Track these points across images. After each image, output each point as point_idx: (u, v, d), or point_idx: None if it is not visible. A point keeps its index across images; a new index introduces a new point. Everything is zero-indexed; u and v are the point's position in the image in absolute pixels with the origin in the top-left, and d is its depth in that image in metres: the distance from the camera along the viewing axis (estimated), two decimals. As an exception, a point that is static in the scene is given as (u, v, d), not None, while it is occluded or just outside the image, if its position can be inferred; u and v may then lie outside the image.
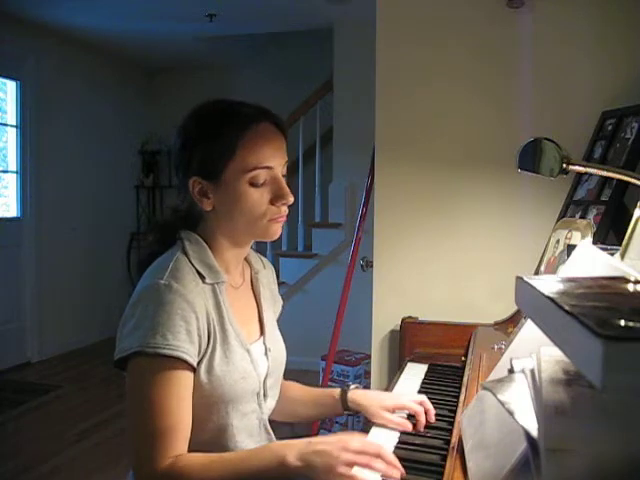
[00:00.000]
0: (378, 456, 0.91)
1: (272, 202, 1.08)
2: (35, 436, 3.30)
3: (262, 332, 1.20)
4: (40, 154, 4.65)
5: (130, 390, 0.99)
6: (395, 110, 1.97)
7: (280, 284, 4.45)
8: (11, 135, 4.56)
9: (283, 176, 1.11)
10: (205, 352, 1.03)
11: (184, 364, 0.99)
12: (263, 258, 1.33)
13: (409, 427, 1.16)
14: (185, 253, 1.08)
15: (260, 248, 1.21)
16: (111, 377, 4.32)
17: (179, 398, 0.97)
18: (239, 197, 1.06)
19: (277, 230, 1.11)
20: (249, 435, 1.11)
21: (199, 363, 1.02)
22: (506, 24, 1.85)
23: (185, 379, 0.99)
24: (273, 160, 1.07)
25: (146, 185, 5.83)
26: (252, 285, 1.24)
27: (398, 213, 1.99)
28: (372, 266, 2.05)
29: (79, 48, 5.01)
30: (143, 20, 4.41)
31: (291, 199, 1.09)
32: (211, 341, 1.04)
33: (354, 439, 0.93)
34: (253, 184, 1.06)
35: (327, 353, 2.94)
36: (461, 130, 1.92)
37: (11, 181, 4.61)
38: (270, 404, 1.19)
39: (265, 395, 1.15)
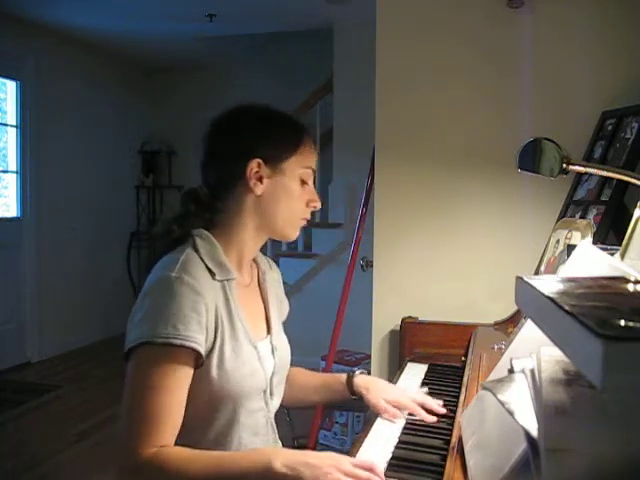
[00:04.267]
0: None
1: (307, 203, 1.17)
2: (35, 436, 3.30)
3: (269, 331, 1.22)
4: (40, 154, 4.65)
5: (131, 377, 0.99)
6: (395, 110, 1.98)
7: (280, 284, 4.44)
8: (11, 135, 4.56)
9: None
10: (213, 347, 1.04)
11: (192, 355, 0.99)
12: (270, 260, 1.34)
13: (399, 416, 1.22)
14: (196, 250, 1.09)
15: (261, 248, 1.23)
16: (111, 377, 4.32)
17: (176, 389, 0.98)
18: (289, 189, 1.14)
19: (298, 232, 1.20)
20: (254, 433, 1.12)
21: (209, 357, 1.03)
22: (506, 24, 1.85)
23: (187, 371, 1.00)
24: (315, 166, 1.19)
25: (146, 185, 5.83)
26: (259, 285, 1.25)
27: (398, 213, 1.99)
28: (372, 266, 2.05)
29: (79, 48, 5.01)
30: (143, 20, 4.41)
31: (320, 204, 1.20)
32: (218, 336, 1.04)
33: (347, 460, 0.93)
34: (302, 181, 1.16)
35: (327, 353, 2.94)
36: (461, 130, 1.92)
37: (11, 181, 4.61)
38: (276, 403, 1.20)
39: (272, 393, 1.17)
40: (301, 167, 1.14)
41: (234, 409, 1.07)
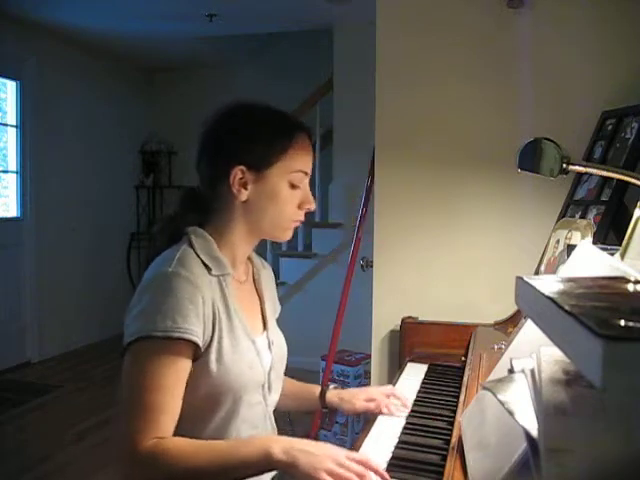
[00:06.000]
0: (362, 477, 0.91)
1: (299, 205, 1.16)
2: (35, 436, 3.30)
3: (265, 327, 1.23)
4: (40, 154, 4.64)
5: (129, 370, 1.00)
6: (395, 110, 1.97)
7: (280, 284, 4.44)
8: (11, 135, 4.56)
9: None
10: (211, 340, 1.05)
11: (190, 347, 1.01)
12: (262, 259, 1.36)
13: (381, 407, 1.28)
14: (191, 246, 1.10)
15: (260, 247, 1.24)
16: (111, 377, 4.32)
17: (175, 382, 0.99)
18: (276, 194, 1.13)
19: (291, 233, 1.19)
20: (253, 426, 1.13)
21: (207, 351, 1.04)
22: (506, 24, 1.85)
23: (186, 364, 1.01)
24: (309, 168, 1.17)
25: (146, 185, 5.83)
26: (254, 282, 1.27)
27: (398, 213, 1.99)
28: (372, 266, 2.05)
29: (79, 48, 5.00)
30: (143, 20, 4.41)
31: (314, 206, 1.18)
32: (216, 330, 1.06)
33: (342, 453, 0.94)
34: (292, 185, 1.14)
35: (327, 353, 2.94)
36: (461, 130, 1.92)
37: (11, 181, 4.61)
38: (274, 397, 1.22)
39: (270, 388, 1.18)
40: (289, 172, 1.12)
41: (234, 402, 1.09)
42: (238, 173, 1.10)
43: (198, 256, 1.09)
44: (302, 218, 1.18)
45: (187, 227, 1.14)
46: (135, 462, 0.95)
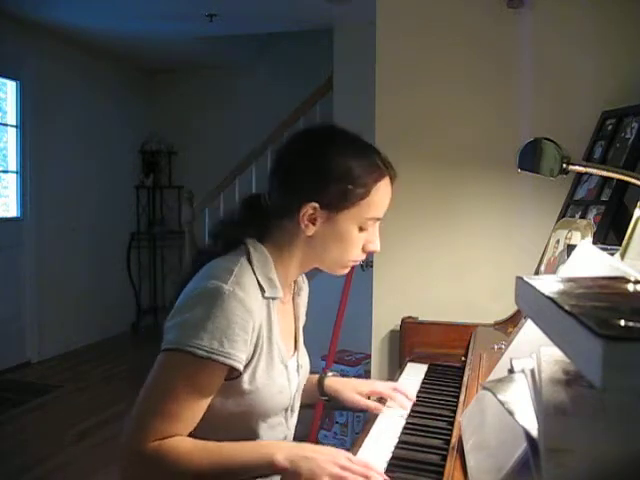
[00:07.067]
0: (365, 477, 0.91)
1: (363, 247, 1.12)
2: (35, 436, 3.30)
3: (296, 348, 1.21)
4: (40, 154, 4.65)
5: (159, 373, 0.98)
6: (395, 110, 1.97)
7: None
8: (11, 135, 4.56)
9: None
10: (250, 362, 1.03)
11: (228, 370, 0.99)
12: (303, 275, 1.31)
13: (381, 409, 1.26)
14: (249, 262, 1.06)
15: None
16: (111, 377, 4.33)
17: (202, 397, 0.98)
18: (344, 237, 1.08)
19: (347, 270, 1.16)
20: None
21: (243, 372, 1.02)
22: (506, 24, 1.85)
23: (218, 384, 1.00)
24: (384, 213, 1.14)
25: (146, 185, 5.82)
26: (293, 301, 1.24)
27: (398, 213, 1.99)
28: (372, 266, 2.05)
29: (79, 48, 5.00)
30: (143, 20, 4.41)
31: (378, 249, 1.14)
32: (257, 353, 1.04)
33: (343, 455, 0.95)
34: (361, 229, 1.10)
35: (327, 353, 2.94)
36: (461, 130, 1.92)
37: (11, 181, 4.61)
38: (294, 419, 1.20)
39: (292, 410, 1.17)
40: (363, 218, 1.08)
41: (257, 423, 1.08)
42: (309, 210, 1.05)
43: (254, 273, 1.05)
44: (363, 258, 1.14)
45: (246, 237, 1.10)
46: (137, 461, 0.95)
